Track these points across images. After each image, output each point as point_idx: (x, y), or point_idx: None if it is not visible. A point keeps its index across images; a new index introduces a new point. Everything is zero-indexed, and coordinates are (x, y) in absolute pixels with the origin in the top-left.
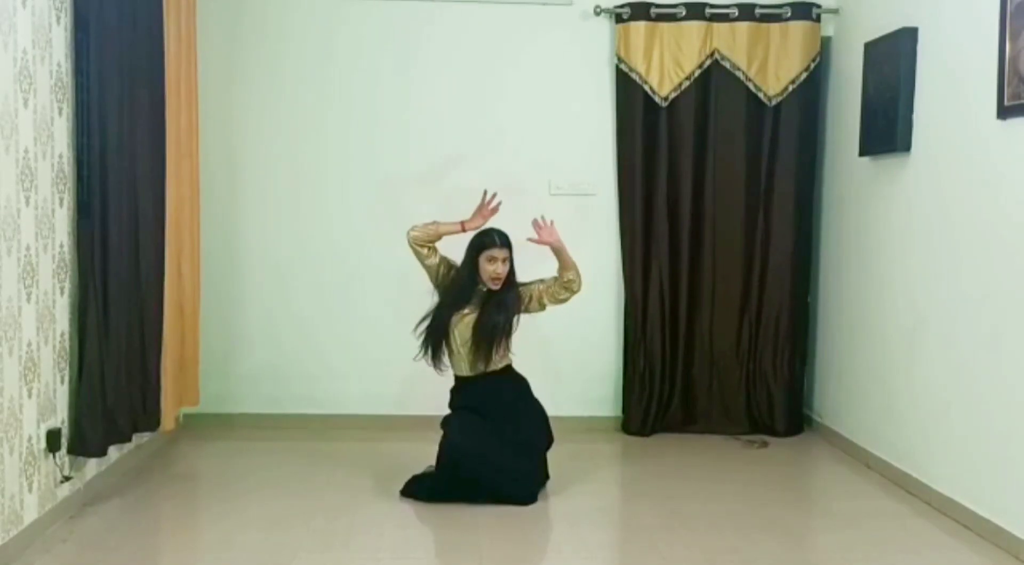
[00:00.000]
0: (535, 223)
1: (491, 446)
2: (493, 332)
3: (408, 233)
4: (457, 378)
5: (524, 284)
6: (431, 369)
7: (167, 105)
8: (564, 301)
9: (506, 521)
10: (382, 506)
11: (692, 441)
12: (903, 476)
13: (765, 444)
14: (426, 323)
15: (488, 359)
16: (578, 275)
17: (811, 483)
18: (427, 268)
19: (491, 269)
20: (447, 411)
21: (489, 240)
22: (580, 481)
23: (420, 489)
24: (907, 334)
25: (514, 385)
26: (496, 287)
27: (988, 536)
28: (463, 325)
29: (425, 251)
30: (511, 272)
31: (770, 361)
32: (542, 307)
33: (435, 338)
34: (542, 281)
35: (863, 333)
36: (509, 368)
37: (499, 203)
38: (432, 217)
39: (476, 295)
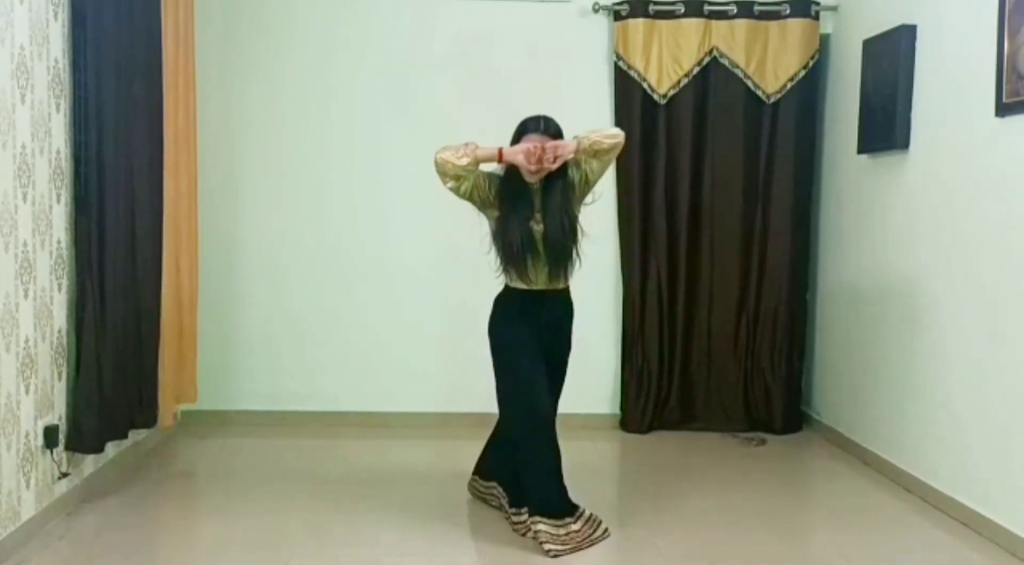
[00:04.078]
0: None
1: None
2: (566, 240)
3: (436, 156)
4: (516, 290)
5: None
6: (430, 366)
7: (165, 100)
8: (608, 159)
9: (503, 518)
10: (380, 503)
11: (690, 439)
12: (902, 473)
13: (763, 442)
14: (501, 239)
15: (567, 272)
16: (599, 133)
17: (809, 480)
18: (465, 196)
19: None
20: (445, 408)
21: (532, 124)
22: (578, 478)
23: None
24: (904, 331)
25: (569, 313)
26: (534, 175)
27: (987, 533)
28: (538, 236)
29: (454, 182)
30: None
31: (768, 358)
32: (590, 182)
33: (519, 253)
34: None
35: (861, 330)
36: (568, 289)
37: (556, 159)
38: (433, 210)
39: (530, 195)
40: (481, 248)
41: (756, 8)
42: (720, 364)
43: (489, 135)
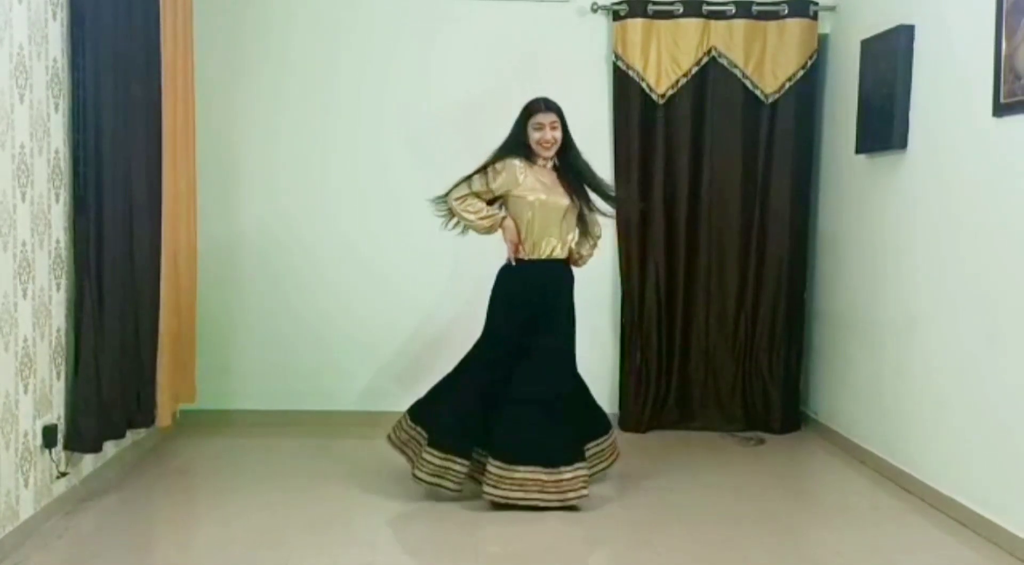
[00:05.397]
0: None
1: None
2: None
3: (456, 208)
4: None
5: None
6: (430, 366)
7: (164, 99)
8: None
9: (503, 517)
10: (379, 503)
11: (688, 438)
12: (899, 473)
13: (761, 441)
14: None
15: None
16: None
17: (807, 480)
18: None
19: (538, 136)
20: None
21: (535, 106)
22: None
23: None
24: (902, 331)
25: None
26: (548, 154)
27: (984, 533)
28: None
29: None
30: (569, 144)
31: (766, 358)
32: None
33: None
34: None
35: (859, 330)
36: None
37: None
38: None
39: (541, 174)
40: (484, 247)
41: (754, 8)
42: (719, 363)
43: (488, 134)
